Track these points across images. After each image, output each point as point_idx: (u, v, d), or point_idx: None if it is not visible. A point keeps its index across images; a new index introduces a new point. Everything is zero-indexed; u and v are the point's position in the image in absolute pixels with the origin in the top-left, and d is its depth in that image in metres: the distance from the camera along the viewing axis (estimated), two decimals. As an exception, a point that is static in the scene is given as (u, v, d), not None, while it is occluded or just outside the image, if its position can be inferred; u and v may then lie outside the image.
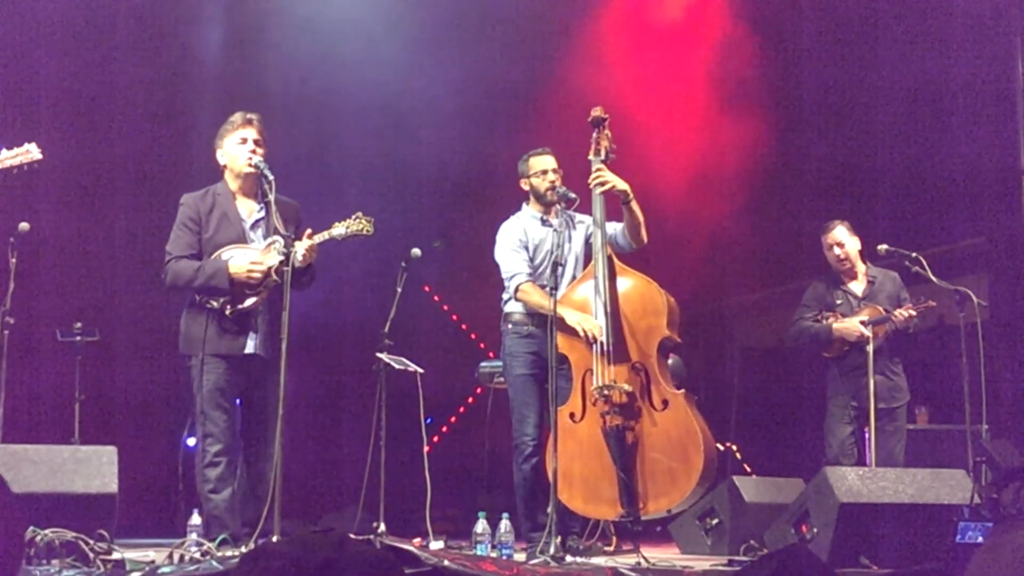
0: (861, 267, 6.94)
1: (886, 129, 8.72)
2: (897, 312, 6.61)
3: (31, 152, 5.24)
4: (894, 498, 5.42)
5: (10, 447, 4.96)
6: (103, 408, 7.23)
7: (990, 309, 7.04)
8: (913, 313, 6.60)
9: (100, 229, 8.00)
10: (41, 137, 5.55)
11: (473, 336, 9.47)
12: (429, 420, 7.07)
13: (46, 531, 4.38)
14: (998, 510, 5.51)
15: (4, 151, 5.20)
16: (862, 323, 6.63)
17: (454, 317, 9.56)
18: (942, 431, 7.57)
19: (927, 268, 6.65)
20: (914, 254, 6.72)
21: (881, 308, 6.70)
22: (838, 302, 6.85)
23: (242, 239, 5.54)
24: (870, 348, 6.53)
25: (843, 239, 6.86)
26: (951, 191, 8.43)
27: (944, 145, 8.42)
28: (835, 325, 6.75)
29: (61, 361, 6.89)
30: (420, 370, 6.70)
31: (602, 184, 5.84)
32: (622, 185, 5.84)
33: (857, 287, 6.92)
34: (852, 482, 5.44)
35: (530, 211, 6.21)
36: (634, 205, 5.88)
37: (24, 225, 6.00)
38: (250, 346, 5.44)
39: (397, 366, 6.63)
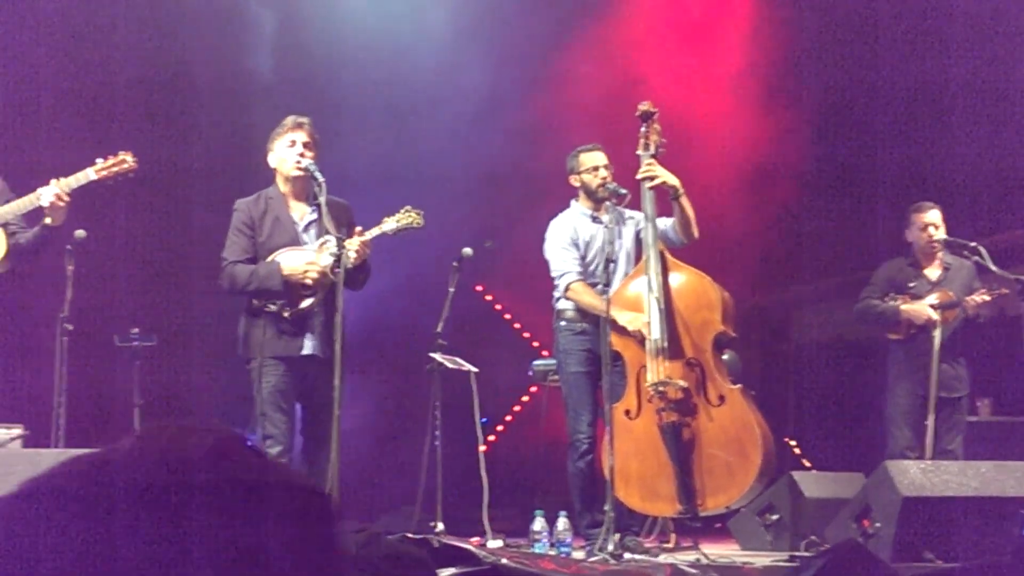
0: (940, 254, 6.89)
1: (957, 124, 8.63)
2: (969, 298, 6.57)
3: (127, 161, 5.25)
4: (958, 491, 5.35)
5: (73, 452, 5.03)
6: (162, 412, 7.30)
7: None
8: (987, 298, 6.57)
9: (153, 232, 8.10)
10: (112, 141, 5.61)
11: (526, 334, 9.47)
12: (484, 420, 7.09)
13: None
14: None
15: (99, 161, 5.22)
16: (931, 306, 6.58)
17: (506, 316, 9.56)
18: (1006, 423, 7.48)
19: (987, 257, 6.58)
20: (973, 243, 6.66)
21: (952, 294, 6.66)
22: (911, 284, 6.81)
23: (295, 242, 5.57)
24: (937, 333, 6.49)
25: (937, 221, 6.82)
26: (1010, 181, 8.34)
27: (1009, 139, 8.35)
28: (903, 307, 6.71)
29: (119, 366, 6.97)
30: (474, 369, 6.73)
31: (652, 179, 5.83)
32: (672, 180, 5.82)
33: (932, 273, 6.88)
34: (914, 475, 5.38)
35: (580, 208, 6.21)
36: (684, 200, 5.87)
37: (80, 232, 6.07)
38: (308, 347, 5.47)
39: (451, 366, 6.67)
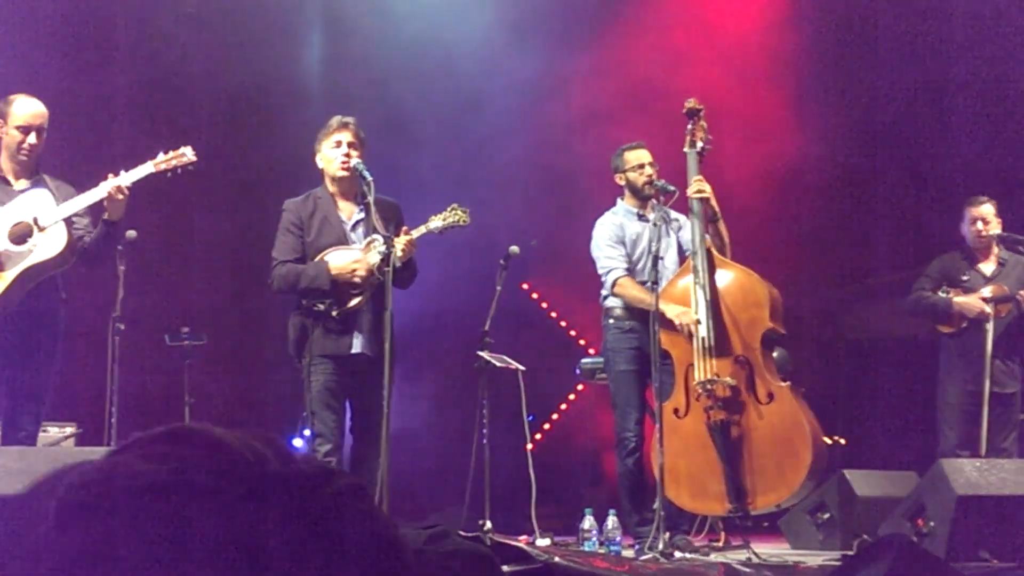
0: (995, 249, 6.77)
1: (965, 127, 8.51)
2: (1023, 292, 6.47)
3: (186, 155, 5.21)
4: (1015, 490, 5.24)
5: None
6: (211, 410, 7.33)
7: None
8: None
9: (202, 231, 8.15)
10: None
11: (573, 333, 9.41)
12: (531, 417, 7.05)
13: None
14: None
15: (160, 154, 5.23)
16: (984, 299, 6.48)
17: (553, 314, 9.50)
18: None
19: (1041, 253, 6.50)
20: (1026, 238, 6.58)
21: (1006, 288, 6.55)
22: (964, 278, 6.71)
23: (343, 241, 5.56)
24: (990, 326, 6.40)
25: (988, 216, 6.72)
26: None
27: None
28: (956, 299, 6.61)
29: (170, 365, 7.00)
30: (521, 367, 6.69)
31: (700, 192, 5.82)
32: (715, 203, 5.82)
33: (987, 267, 6.78)
34: (969, 474, 5.27)
35: (625, 206, 6.16)
36: (721, 225, 5.92)
37: (131, 233, 6.09)
38: (356, 346, 5.45)
39: (498, 364, 6.63)
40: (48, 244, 5.01)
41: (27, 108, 5.15)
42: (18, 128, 5.11)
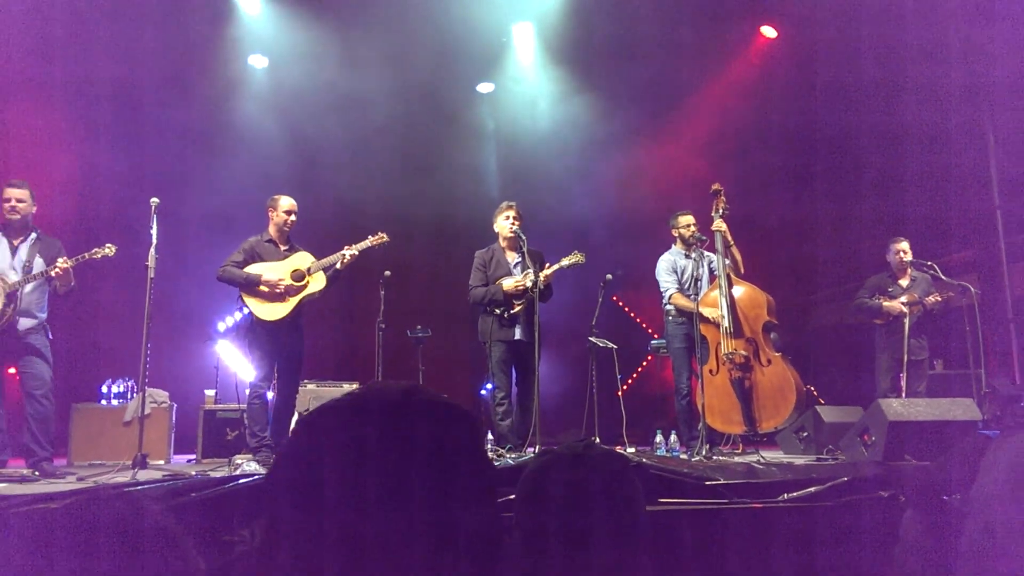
0: (909, 271, 6.65)
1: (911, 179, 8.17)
2: (928, 298, 6.34)
3: (383, 237, 5.50)
4: (926, 417, 5.15)
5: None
6: (436, 374, 7.51)
7: (980, 296, 6.59)
8: (939, 298, 6.34)
9: (430, 267, 8.32)
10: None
11: (644, 325, 9.46)
12: (620, 376, 7.12)
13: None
14: (1001, 423, 5.16)
15: (370, 236, 5.47)
16: (902, 304, 6.38)
17: (632, 314, 9.57)
18: (953, 374, 7.11)
19: (939, 271, 6.33)
20: (929, 263, 6.43)
21: (916, 295, 6.43)
22: (889, 289, 6.61)
23: (508, 274, 5.76)
24: (907, 320, 6.28)
25: (906, 249, 6.61)
26: (952, 220, 7.94)
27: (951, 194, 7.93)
28: (884, 304, 6.51)
29: (409, 348, 7.23)
30: (614, 346, 6.78)
31: (719, 228, 5.84)
32: (728, 236, 5.83)
33: (903, 282, 6.65)
34: (896, 408, 5.19)
35: (677, 249, 6.21)
36: (734, 250, 5.87)
37: (387, 272, 6.35)
38: (518, 334, 5.63)
39: (601, 345, 6.73)
40: (316, 283, 5.34)
41: (288, 201, 5.49)
42: (285, 212, 5.44)
